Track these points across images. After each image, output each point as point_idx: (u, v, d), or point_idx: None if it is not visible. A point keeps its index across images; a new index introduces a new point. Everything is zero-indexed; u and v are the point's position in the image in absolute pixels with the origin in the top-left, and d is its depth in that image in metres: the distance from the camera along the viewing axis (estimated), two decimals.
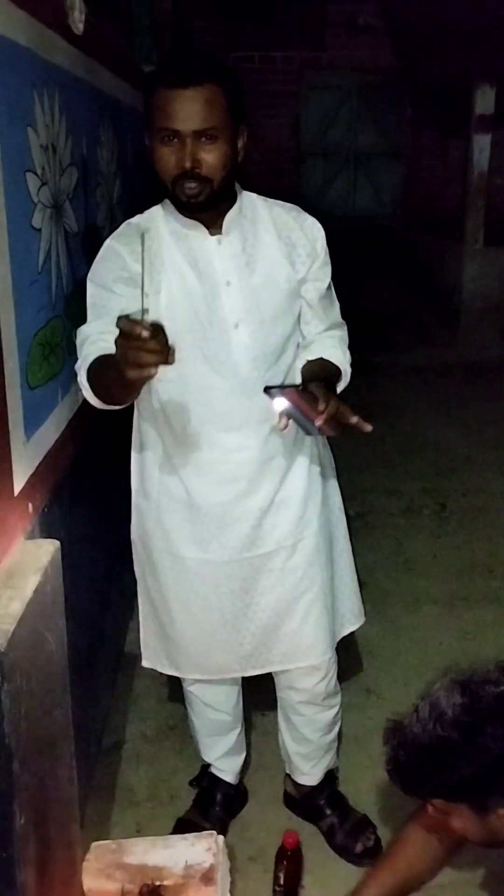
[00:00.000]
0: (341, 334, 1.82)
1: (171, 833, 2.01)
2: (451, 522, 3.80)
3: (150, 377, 1.21)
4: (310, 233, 1.72)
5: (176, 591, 1.84)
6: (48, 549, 1.47)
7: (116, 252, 1.63)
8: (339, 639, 1.98)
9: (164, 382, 1.67)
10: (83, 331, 1.62)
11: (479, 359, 6.39)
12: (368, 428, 1.48)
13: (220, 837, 1.73)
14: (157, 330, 1.18)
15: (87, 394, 1.59)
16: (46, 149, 1.67)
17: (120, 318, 1.18)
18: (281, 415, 1.51)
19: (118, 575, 2.74)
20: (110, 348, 1.35)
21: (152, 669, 2.01)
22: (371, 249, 7.38)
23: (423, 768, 1.39)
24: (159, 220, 1.67)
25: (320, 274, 1.74)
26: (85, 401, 2.00)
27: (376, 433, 1.52)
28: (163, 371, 1.23)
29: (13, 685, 1.21)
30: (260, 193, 1.72)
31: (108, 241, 1.67)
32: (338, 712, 2.06)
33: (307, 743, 2.04)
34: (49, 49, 1.66)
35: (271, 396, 1.49)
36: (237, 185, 1.66)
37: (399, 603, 3.08)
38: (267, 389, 1.51)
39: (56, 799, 1.51)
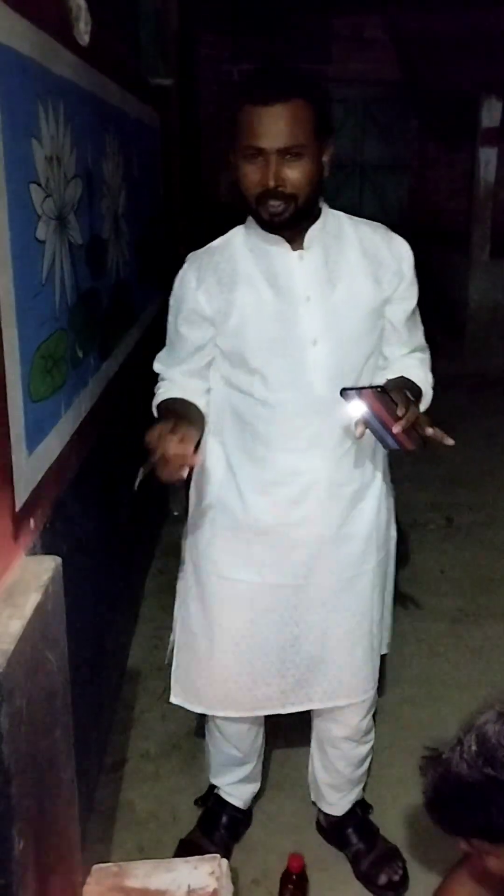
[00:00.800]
0: (424, 356, 1.78)
1: (174, 855, 1.97)
2: (458, 537, 3.77)
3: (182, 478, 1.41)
4: (397, 252, 1.67)
5: (221, 616, 1.77)
6: (49, 565, 1.44)
7: (186, 279, 1.66)
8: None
9: (235, 396, 1.67)
10: (160, 361, 1.78)
11: (486, 371, 6.36)
12: (450, 441, 1.42)
13: (224, 861, 1.69)
14: (185, 434, 1.39)
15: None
16: (51, 160, 1.65)
17: (148, 434, 1.40)
18: (357, 421, 1.44)
19: (121, 591, 2.71)
20: (174, 391, 1.71)
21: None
22: None
23: (468, 808, 1.30)
24: (239, 238, 1.65)
25: (407, 294, 1.69)
26: (89, 414, 2.00)
27: (424, 448, 1.44)
28: (232, 386, 1.62)
29: (13, 706, 1.18)
30: None
31: (184, 265, 1.69)
32: (372, 747, 2.02)
33: (338, 775, 1.99)
34: (54, 60, 1.65)
35: (347, 399, 1.42)
36: (322, 202, 1.63)
37: (406, 618, 3.04)
38: (343, 391, 1.43)
39: (56, 821, 1.48)
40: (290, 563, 1.71)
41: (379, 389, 1.42)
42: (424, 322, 1.81)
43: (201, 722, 2.46)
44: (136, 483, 1.40)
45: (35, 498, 1.53)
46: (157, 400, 1.75)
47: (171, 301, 1.71)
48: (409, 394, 1.50)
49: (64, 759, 1.54)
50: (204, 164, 6.96)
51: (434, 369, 1.80)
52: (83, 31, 1.83)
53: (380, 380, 1.67)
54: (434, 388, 1.76)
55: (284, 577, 1.72)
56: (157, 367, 1.79)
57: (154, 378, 1.81)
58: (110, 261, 2.37)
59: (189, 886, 1.64)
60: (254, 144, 1.46)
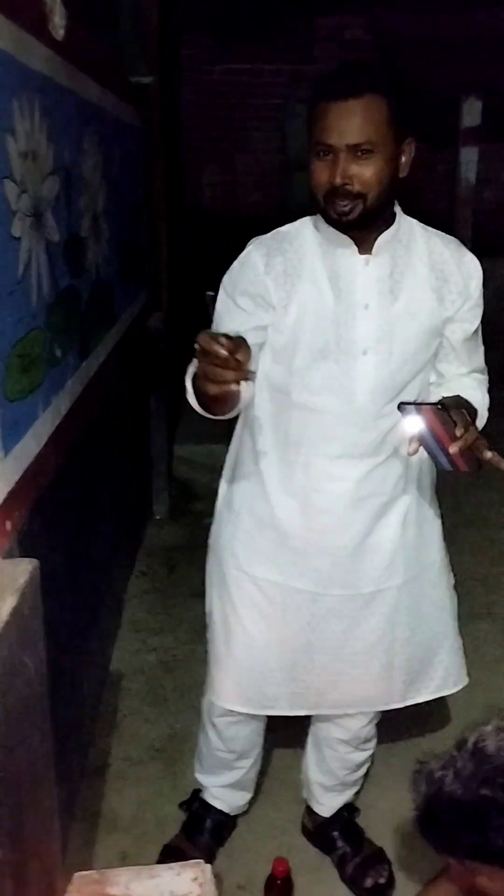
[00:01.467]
0: (482, 377, 1.73)
1: (158, 861, 1.94)
2: None
3: (230, 392, 1.31)
4: (466, 270, 1.62)
5: (239, 610, 1.75)
6: (26, 568, 1.42)
7: (252, 262, 1.58)
8: (428, 698, 1.87)
9: (272, 394, 1.63)
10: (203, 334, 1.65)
11: None
12: None
13: (208, 867, 1.67)
14: (237, 345, 1.20)
15: (192, 401, 1.56)
16: (26, 156, 1.62)
17: (200, 335, 1.22)
18: (412, 438, 1.39)
19: (103, 593, 2.68)
20: None
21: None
22: None
23: (461, 828, 1.24)
24: (308, 228, 1.60)
25: (469, 315, 1.64)
26: (68, 414, 1.97)
27: (479, 471, 1.39)
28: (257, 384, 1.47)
29: None
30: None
31: (249, 246, 1.62)
32: (370, 755, 1.99)
33: (332, 776, 1.98)
34: (28, 54, 1.62)
35: (405, 413, 1.37)
36: (398, 207, 1.58)
37: None
38: (402, 405, 1.38)
39: (36, 829, 1.45)
40: (311, 570, 1.68)
41: (439, 406, 1.36)
42: None
43: (185, 726, 2.44)
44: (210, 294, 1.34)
45: (12, 500, 1.50)
46: (191, 370, 1.53)
47: (230, 278, 1.61)
48: (467, 414, 1.43)
49: (44, 765, 1.51)
50: (186, 164, 6.93)
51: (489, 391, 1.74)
52: (58, 25, 1.81)
53: (433, 397, 1.63)
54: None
55: (304, 582, 1.69)
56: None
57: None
58: (90, 260, 2.34)
59: (172, 893, 1.62)
60: (323, 141, 1.42)
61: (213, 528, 1.83)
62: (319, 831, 2.03)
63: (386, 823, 2.09)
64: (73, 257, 2.08)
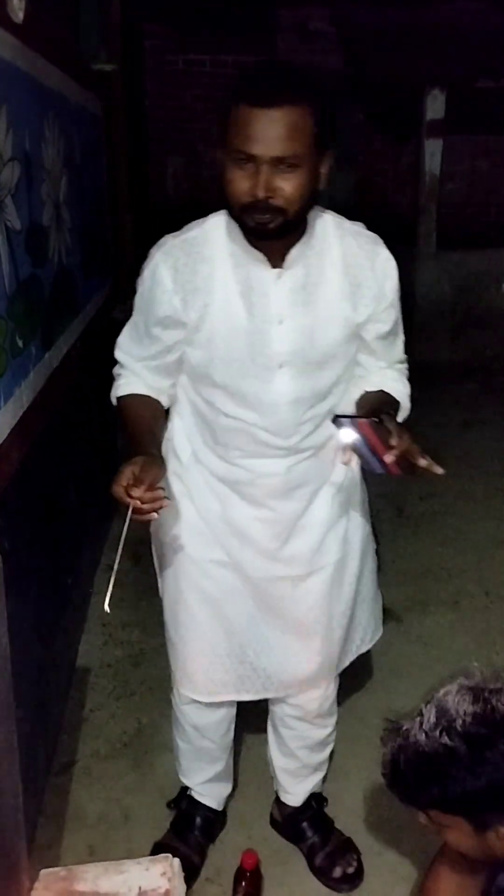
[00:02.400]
0: (402, 367, 1.73)
1: None
2: (409, 527, 3.78)
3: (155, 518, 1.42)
4: (381, 271, 1.57)
5: (185, 594, 1.75)
6: None
7: (159, 278, 1.52)
8: (352, 659, 1.92)
9: (198, 400, 1.62)
10: (124, 351, 1.67)
11: (431, 362, 6.40)
12: (440, 471, 1.37)
13: (176, 861, 1.66)
14: (147, 474, 1.37)
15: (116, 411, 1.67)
16: None
17: (117, 488, 1.37)
18: (346, 447, 1.41)
19: (69, 587, 2.65)
20: (139, 386, 1.65)
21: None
22: None
23: (423, 777, 1.31)
24: (220, 236, 1.52)
25: (384, 316, 1.60)
26: (31, 406, 1.94)
27: (412, 474, 1.42)
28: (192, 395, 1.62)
29: None
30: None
31: (155, 256, 1.54)
32: (331, 733, 1.99)
33: (294, 759, 1.97)
34: None
35: (339, 426, 1.39)
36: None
37: None
38: (336, 419, 1.40)
39: (1, 826, 1.43)
40: (252, 554, 1.69)
41: (375, 420, 1.39)
42: None
43: (152, 720, 2.43)
44: (107, 601, 1.44)
45: None
46: (117, 391, 1.67)
47: (141, 295, 1.58)
48: (394, 417, 1.47)
49: (8, 760, 1.48)
50: (150, 155, 6.87)
51: None
52: (17, 7, 1.77)
53: (356, 390, 1.64)
54: None
55: (245, 566, 1.70)
56: (120, 356, 1.68)
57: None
58: (52, 249, 2.30)
59: (140, 888, 1.60)
60: (245, 150, 1.34)
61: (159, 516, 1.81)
62: (288, 822, 2.02)
63: (354, 814, 2.10)
64: (34, 246, 2.04)
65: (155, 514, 1.38)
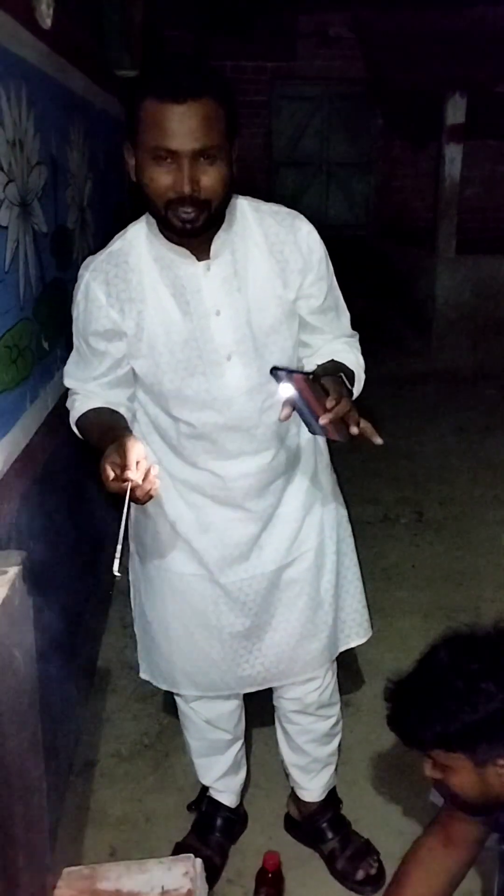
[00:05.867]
0: (351, 341, 1.71)
1: None
2: (429, 531, 3.77)
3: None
4: (304, 245, 1.55)
5: (173, 608, 1.75)
6: (15, 559, 1.40)
7: (93, 295, 1.50)
8: (340, 651, 1.92)
9: (155, 416, 1.60)
10: (72, 377, 1.62)
11: (452, 367, 6.39)
12: (379, 441, 1.35)
13: (199, 861, 1.65)
14: (129, 455, 1.31)
15: (82, 438, 1.60)
16: (13, 145, 1.61)
17: (109, 483, 1.31)
18: (285, 403, 1.36)
19: (91, 586, 2.66)
20: (95, 402, 1.58)
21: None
22: (344, 259, 7.36)
23: (424, 715, 1.37)
24: (142, 243, 1.51)
25: (314, 290, 1.58)
26: (57, 405, 1.95)
27: (351, 442, 1.38)
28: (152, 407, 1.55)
29: None
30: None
31: (84, 275, 1.52)
32: (335, 723, 1.99)
33: (304, 754, 1.97)
34: (15, 41, 1.60)
35: (278, 380, 1.34)
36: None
37: (377, 613, 3.01)
38: (274, 370, 1.35)
39: (25, 824, 1.43)
40: (231, 558, 1.69)
41: (310, 376, 1.34)
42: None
43: (173, 721, 2.43)
44: (117, 565, 1.30)
45: (0, 490, 1.48)
46: (74, 415, 1.61)
47: (77, 319, 1.55)
48: (344, 382, 1.42)
49: (32, 759, 1.49)
50: None
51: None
52: (45, 13, 1.79)
53: (308, 367, 1.61)
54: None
55: (227, 571, 1.70)
56: (71, 382, 1.64)
57: None
58: (76, 252, 2.33)
59: (163, 888, 1.60)
60: (165, 146, 1.32)
61: (134, 532, 1.80)
62: (308, 822, 2.02)
63: (370, 817, 2.09)
64: (60, 249, 2.07)
65: (154, 492, 1.33)
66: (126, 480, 1.29)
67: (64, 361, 2.08)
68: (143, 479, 1.31)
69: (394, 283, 7.33)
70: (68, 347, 2.15)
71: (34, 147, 1.78)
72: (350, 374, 1.57)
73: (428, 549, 3.59)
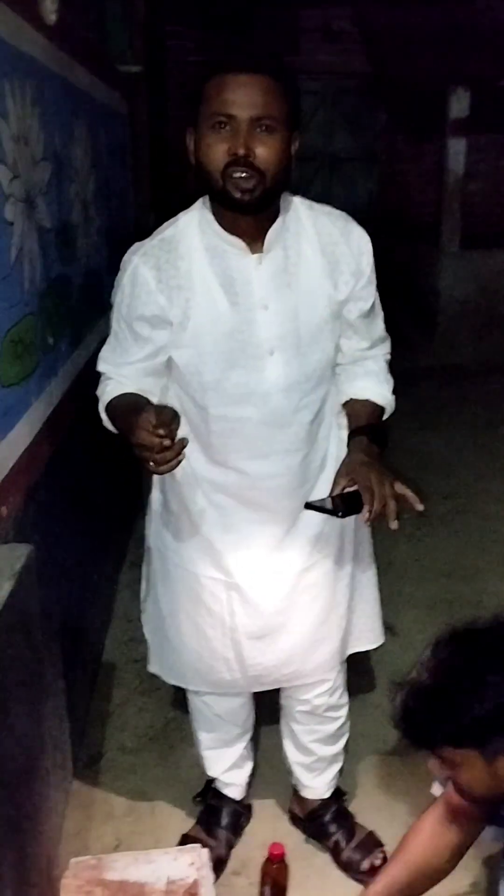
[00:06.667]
0: (383, 353, 1.73)
1: None
2: (432, 526, 3.77)
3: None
4: (356, 247, 1.57)
5: (187, 607, 1.76)
6: (22, 553, 1.41)
7: (142, 279, 1.49)
8: (350, 653, 1.91)
9: (188, 405, 1.60)
10: (106, 361, 1.62)
11: (456, 362, 6.39)
12: (420, 507, 1.47)
13: (205, 851, 1.68)
14: (171, 429, 1.29)
15: (108, 426, 1.59)
16: (18, 140, 1.61)
17: (140, 432, 1.29)
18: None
19: (96, 581, 2.68)
20: (127, 387, 1.57)
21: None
22: None
23: (433, 713, 1.36)
24: (194, 231, 1.51)
25: (364, 293, 1.60)
26: (62, 401, 1.96)
27: None
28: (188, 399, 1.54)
29: None
30: None
31: (133, 259, 1.51)
32: (343, 724, 1.99)
33: (309, 753, 1.97)
34: (19, 37, 1.61)
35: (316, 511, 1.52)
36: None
37: (382, 606, 3.03)
38: (308, 506, 1.52)
39: (32, 816, 1.45)
40: (252, 560, 1.69)
41: (346, 495, 1.49)
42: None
43: (178, 714, 2.44)
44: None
45: (6, 485, 1.50)
46: (105, 399, 1.60)
47: (121, 303, 1.55)
48: (376, 453, 1.56)
49: (39, 751, 1.51)
50: (173, 156, 6.91)
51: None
52: (49, 9, 1.80)
53: (345, 388, 1.69)
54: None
55: (246, 575, 1.69)
56: (105, 367, 1.63)
57: None
58: (80, 248, 2.33)
59: (169, 878, 1.62)
60: (223, 111, 1.35)
61: (153, 529, 1.81)
62: (311, 818, 2.03)
63: (374, 809, 2.10)
64: (64, 245, 2.07)
65: (181, 457, 1.33)
66: (160, 437, 1.28)
67: (68, 356, 2.10)
68: (173, 444, 1.30)
69: (397, 277, 7.33)
70: (72, 343, 2.17)
71: (39, 143, 1.79)
72: (381, 413, 1.67)
73: (431, 543, 3.59)
